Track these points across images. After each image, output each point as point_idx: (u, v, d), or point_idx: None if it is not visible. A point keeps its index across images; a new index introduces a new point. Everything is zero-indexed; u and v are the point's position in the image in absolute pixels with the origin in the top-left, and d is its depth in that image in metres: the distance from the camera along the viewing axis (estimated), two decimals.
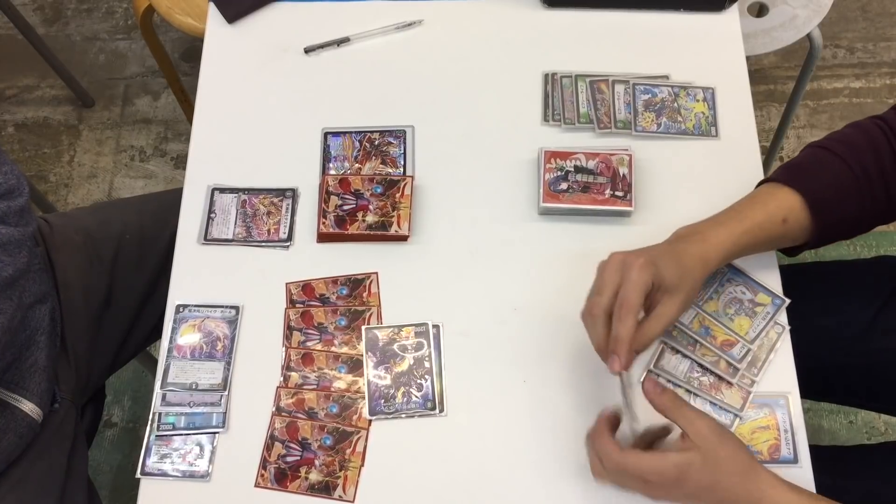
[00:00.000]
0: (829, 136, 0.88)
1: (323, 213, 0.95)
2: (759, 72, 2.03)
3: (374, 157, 1.00)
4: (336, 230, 0.94)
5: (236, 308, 0.92)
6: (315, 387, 0.88)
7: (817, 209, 0.83)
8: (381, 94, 1.04)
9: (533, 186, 0.97)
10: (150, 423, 0.87)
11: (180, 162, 1.98)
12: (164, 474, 0.84)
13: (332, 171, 0.99)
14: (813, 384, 0.91)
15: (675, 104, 1.00)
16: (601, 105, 1.01)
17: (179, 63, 2.11)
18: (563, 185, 0.93)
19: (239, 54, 1.08)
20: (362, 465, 0.84)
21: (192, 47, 2.11)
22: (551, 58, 1.05)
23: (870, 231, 0.87)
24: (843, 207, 0.84)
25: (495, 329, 0.90)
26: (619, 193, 0.93)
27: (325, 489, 0.83)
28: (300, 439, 0.85)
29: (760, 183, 0.89)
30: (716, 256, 0.81)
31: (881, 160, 0.84)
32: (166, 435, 0.86)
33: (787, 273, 0.91)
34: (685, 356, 0.86)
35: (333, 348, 0.89)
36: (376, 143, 1.00)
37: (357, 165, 0.99)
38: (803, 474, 0.81)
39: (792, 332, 0.87)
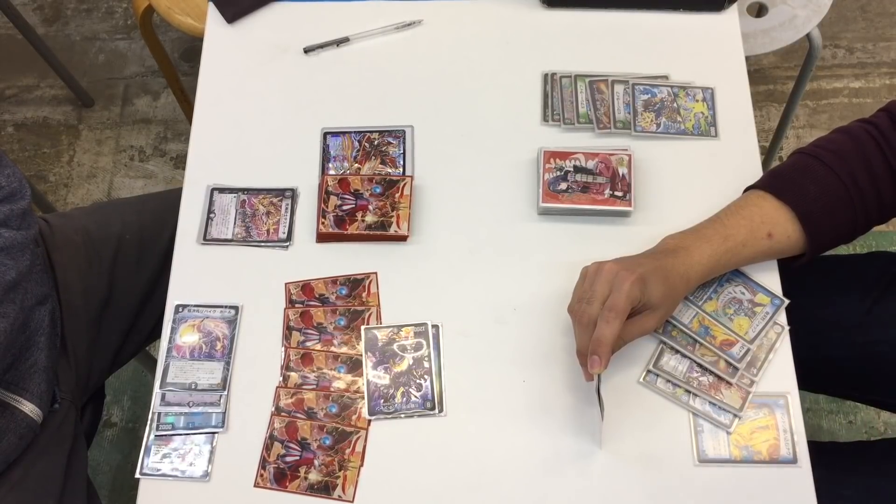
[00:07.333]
0: (817, 143, 0.88)
1: (322, 213, 0.95)
2: (759, 72, 2.03)
3: (373, 157, 0.99)
4: (335, 230, 0.94)
5: (235, 308, 0.92)
6: (314, 387, 0.88)
7: (807, 221, 0.84)
8: (381, 94, 1.04)
9: (532, 186, 0.97)
10: (149, 422, 0.87)
11: (180, 162, 1.98)
12: (163, 474, 0.84)
13: (332, 171, 0.99)
14: (809, 375, 0.91)
15: (675, 104, 1.00)
16: (601, 105, 1.01)
17: (179, 63, 2.11)
18: (563, 185, 0.93)
19: (238, 54, 1.08)
20: (361, 464, 0.84)
21: (192, 47, 2.11)
22: (551, 58, 1.05)
23: (868, 232, 0.87)
24: (835, 218, 0.84)
25: (495, 329, 0.90)
26: (619, 193, 0.93)
27: (324, 489, 0.83)
28: (299, 439, 0.85)
29: (748, 188, 0.89)
30: (698, 275, 0.84)
31: (871, 167, 0.83)
32: (166, 435, 0.86)
33: (783, 266, 0.91)
34: (684, 356, 0.86)
35: (333, 348, 0.89)
36: (376, 143, 1.00)
37: (356, 165, 0.99)
38: (803, 474, 0.81)
39: (789, 323, 0.87)
